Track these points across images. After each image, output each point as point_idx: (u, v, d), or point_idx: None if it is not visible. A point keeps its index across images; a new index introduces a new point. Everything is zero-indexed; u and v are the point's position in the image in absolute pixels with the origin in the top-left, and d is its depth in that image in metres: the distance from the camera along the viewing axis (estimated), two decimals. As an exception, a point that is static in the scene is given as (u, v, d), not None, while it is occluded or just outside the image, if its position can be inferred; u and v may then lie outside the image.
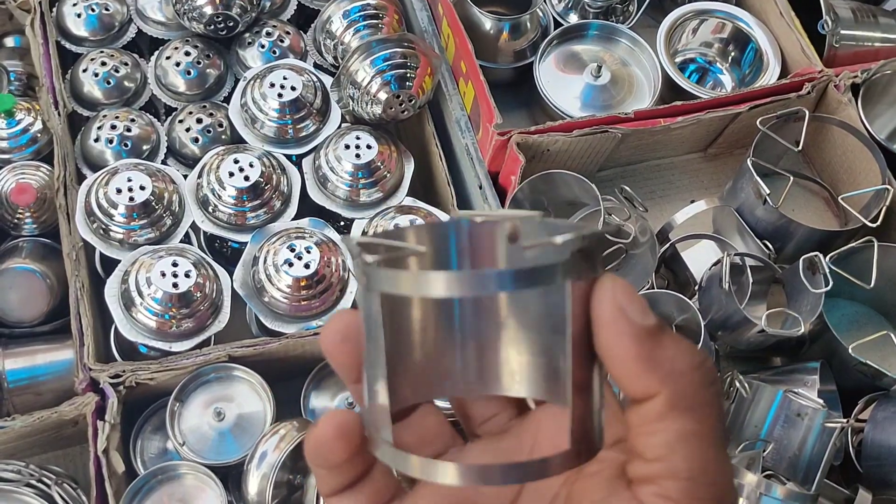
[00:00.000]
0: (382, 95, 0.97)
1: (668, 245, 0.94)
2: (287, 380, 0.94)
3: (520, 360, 0.32)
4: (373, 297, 0.31)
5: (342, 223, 1.05)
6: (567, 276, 0.29)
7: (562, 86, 1.06)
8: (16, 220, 1.00)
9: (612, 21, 1.12)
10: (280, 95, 0.99)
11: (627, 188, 0.91)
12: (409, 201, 1.01)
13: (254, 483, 0.82)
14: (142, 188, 0.93)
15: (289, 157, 1.02)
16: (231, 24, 1.06)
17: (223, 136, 1.04)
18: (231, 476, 0.88)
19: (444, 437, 0.38)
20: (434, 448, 0.37)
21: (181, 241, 0.96)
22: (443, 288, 0.28)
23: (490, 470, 0.30)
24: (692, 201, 1.02)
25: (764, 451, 0.76)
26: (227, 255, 1.06)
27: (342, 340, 0.33)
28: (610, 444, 0.34)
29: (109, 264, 0.99)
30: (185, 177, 0.99)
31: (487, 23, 1.06)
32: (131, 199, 0.92)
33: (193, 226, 0.98)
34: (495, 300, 0.32)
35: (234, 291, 0.94)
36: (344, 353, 0.34)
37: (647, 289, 0.89)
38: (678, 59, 1.12)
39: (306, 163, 1.02)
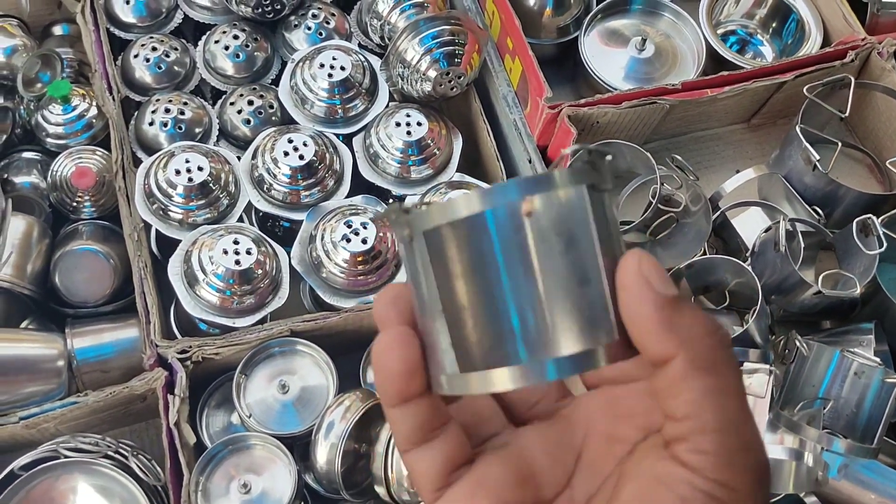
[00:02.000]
0: (432, 73, 0.98)
1: (718, 213, 0.95)
2: (344, 353, 0.96)
3: (562, 312, 0.33)
4: (416, 246, 0.33)
5: (391, 200, 1.07)
6: (581, 180, 0.32)
7: (606, 60, 1.07)
8: (75, 204, 1.03)
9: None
10: (330, 76, 1.01)
11: (678, 157, 0.93)
12: (459, 177, 1.03)
13: (322, 452, 0.85)
14: (200, 169, 0.95)
15: (337, 136, 1.04)
16: (278, 6, 1.07)
17: (273, 118, 1.06)
18: (296, 446, 0.91)
19: (499, 417, 0.40)
20: (492, 426, 0.40)
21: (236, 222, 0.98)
22: (476, 203, 0.32)
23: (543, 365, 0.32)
24: (737, 171, 1.03)
25: (823, 409, 0.78)
26: (278, 234, 1.08)
27: (392, 303, 0.36)
28: (656, 429, 0.36)
29: (164, 245, 1.02)
30: (238, 158, 1.01)
31: (531, -1, 1.08)
32: (190, 179, 0.94)
33: (247, 206, 1.00)
34: (526, 243, 0.32)
35: (290, 268, 0.96)
36: (394, 315, 0.36)
37: (701, 255, 0.90)
38: (719, 31, 1.13)
39: (357, 141, 1.03)
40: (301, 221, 0.99)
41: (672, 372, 0.32)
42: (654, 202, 0.91)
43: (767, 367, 0.74)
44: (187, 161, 0.95)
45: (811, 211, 0.95)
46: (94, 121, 1.06)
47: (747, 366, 0.75)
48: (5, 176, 1.05)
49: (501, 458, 0.38)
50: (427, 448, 0.36)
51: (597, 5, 1.10)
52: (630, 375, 0.38)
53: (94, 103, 1.06)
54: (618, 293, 0.32)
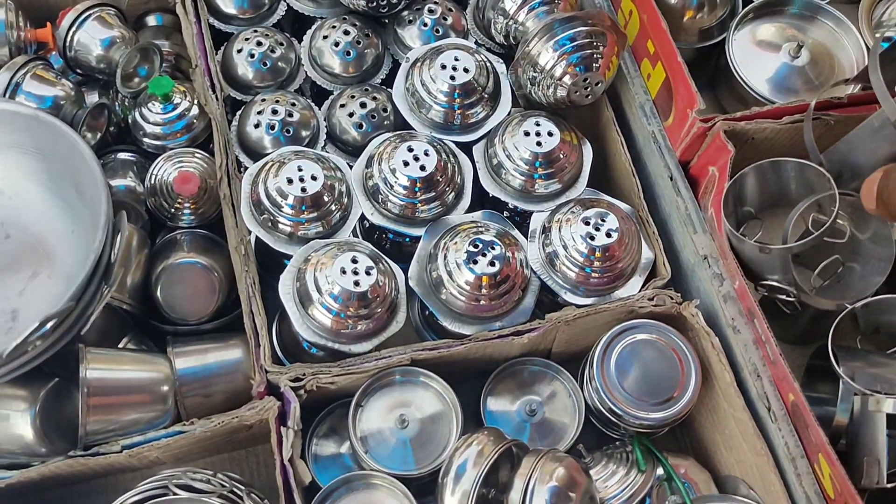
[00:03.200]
0: (567, 79, 0.90)
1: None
2: (458, 382, 0.88)
3: None
4: None
5: (506, 213, 0.98)
6: None
7: (755, 66, 0.99)
8: (173, 210, 0.96)
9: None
10: (452, 78, 0.93)
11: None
12: (589, 193, 0.94)
13: (452, 499, 0.77)
14: (314, 178, 0.87)
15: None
16: (395, 0, 0.99)
17: (386, 122, 0.98)
18: (413, 486, 0.83)
19: None
20: None
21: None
22: None
23: None
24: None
25: None
26: (385, 248, 1.00)
27: None
28: None
29: (260, 256, 0.94)
30: (349, 165, 0.94)
31: (674, -2, 0.99)
32: (303, 189, 0.87)
33: (361, 217, 0.92)
34: None
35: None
36: None
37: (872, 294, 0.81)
38: (878, 35, 1.02)
39: (477, 150, 0.95)
40: (415, 236, 0.92)
41: None
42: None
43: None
44: (300, 169, 0.88)
45: None
46: (194, 121, 0.99)
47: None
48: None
49: None
50: None
51: (744, 7, 1.00)
52: None
53: (195, 102, 0.99)
54: None
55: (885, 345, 0.86)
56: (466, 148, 0.96)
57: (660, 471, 0.87)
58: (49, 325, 0.73)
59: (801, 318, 0.87)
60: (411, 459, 0.84)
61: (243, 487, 0.76)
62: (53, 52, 1.03)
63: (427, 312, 0.95)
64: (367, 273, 0.83)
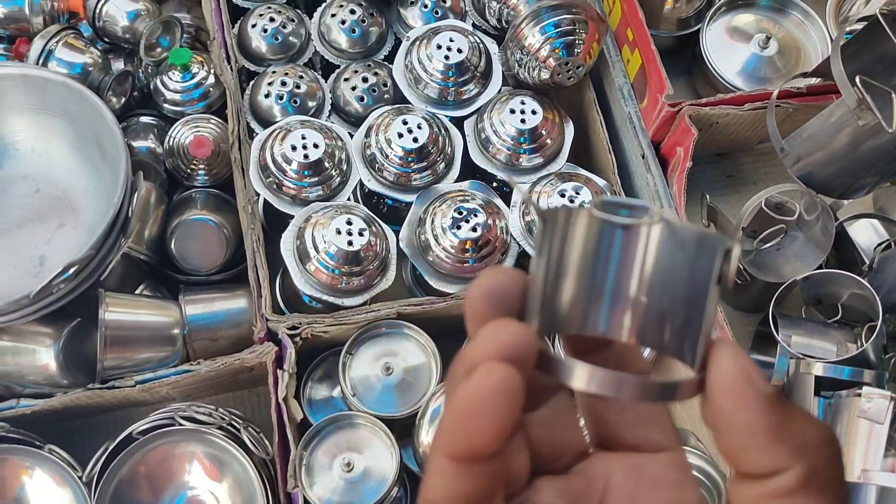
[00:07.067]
0: (551, 62, 0.97)
1: (836, 223, 0.93)
2: (445, 336, 0.97)
3: (648, 312, 0.32)
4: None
5: (495, 184, 1.06)
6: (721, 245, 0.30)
7: (726, 55, 1.05)
8: (189, 171, 1.05)
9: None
10: (446, 58, 1.01)
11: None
12: (568, 167, 1.02)
13: (426, 437, 0.86)
14: (315, 146, 0.96)
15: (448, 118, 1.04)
16: (398, -19, 1.07)
17: (386, 96, 1.06)
18: (395, 427, 0.92)
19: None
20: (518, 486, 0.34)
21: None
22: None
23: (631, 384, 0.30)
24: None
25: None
26: (383, 212, 1.09)
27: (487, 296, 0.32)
28: None
29: (269, 215, 1.03)
30: (350, 134, 1.02)
31: (654, -11, 1.06)
32: (305, 156, 0.95)
33: (358, 183, 1.01)
34: (647, 250, 0.32)
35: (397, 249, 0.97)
36: (486, 309, 0.31)
37: (816, 268, 0.89)
38: (846, 28, 1.09)
39: (468, 125, 1.03)
40: (408, 202, 1.00)
41: (775, 485, 0.28)
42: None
43: (889, 393, 0.73)
44: (303, 137, 0.96)
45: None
46: (210, 89, 1.08)
47: (865, 390, 0.74)
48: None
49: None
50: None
51: (720, -1, 1.08)
52: (656, 444, 0.34)
53: (211, 72, 1.07)
54: (709, 394, 0.29)
55: (829, 314, 0.94)
56: (459, 122, 1.04)
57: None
58: (71, 270, 0.82)
59: (751, 288, 0.95)
60: (395, 403, 0.93)
61: (241, 422, 0.85)
62: (84, 22, 1.12)
63: (417, 273, 1.04)
64: (361, 234, 0.92)
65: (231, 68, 1.05)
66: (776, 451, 0.27)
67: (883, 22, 0.80)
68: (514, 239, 0.98)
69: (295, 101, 1.04)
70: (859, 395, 0.75)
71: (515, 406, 0.28)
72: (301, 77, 1.05)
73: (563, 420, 0.35)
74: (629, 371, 0.33)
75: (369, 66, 1.07)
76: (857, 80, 0.77)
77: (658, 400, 0.31)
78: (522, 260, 0.99)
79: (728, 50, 1.06)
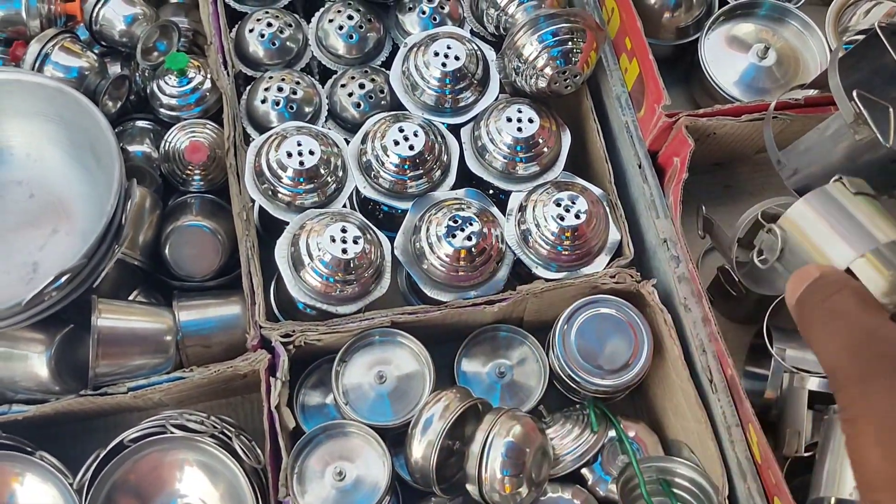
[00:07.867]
0: (548, 71, 0.97)
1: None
2: (438, 345, 0.97)
3: None
4: None
5: (491, 192, 1.06)
6: None
7: (725, 65, 1.05)
8: (185, 176, 1.04)
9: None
10: (444, 65, 1.00)
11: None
12: (565, 176, 1.02)
13: (418, 448, 0.86)
14: (311, 153, 0.95)
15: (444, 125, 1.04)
16: (396, -12, 1.07)
17: (383, 102, 1.06)
18: (387, 436, 0.92)
19: None
20: None
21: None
22: None
23: None
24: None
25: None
26: (378, 218, 1.09)
27: None
28: None
29: (265, 221, 1.03)
30: (346, 140, 1.02)
31: (653, -2, 1.06)
32: (301, 163, 0.95)
33: (354, 189, 1.01)
34: None
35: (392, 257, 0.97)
36: None
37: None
38: (845, 39, 1.09)
39: (465, 132, 1.03)
40: (404, 209, 1.00)
41: None
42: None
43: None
44: (299, 144, 0.95)
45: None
46: (207, 94, 1.07)
47: None
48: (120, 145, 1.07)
49: None
50: None
51: (719, 8, 1.07)
52: None
53: (208, 76, 1.07)
54: None
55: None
56: (456, 129, 1.04)
57: (612, 433, 0.96)
58: (64, 278, 0.82)
59: (746, 301, 0.95)
60: (388, 412, 0.92)
61: (233, 429, 0.85)
62: (81, 25, 1.12)
63: (412, 280, 1.03)
64: (355, 242, 0.91)
65: (228, 73, 1.04)
66: None
67: (881, 35, 0.79)
68: (510, 247, 0.98)
69: (291, 107, 1.03)
70: (853, 410, 0.74)
71: None
72: (298, 83, 1.04)
73: None
74: None
75: (366, 72, 1.07)
76: (855, 94, 0.76)
77: None
78: (517, 268, 0.99)
79: (726, 59, 1.06)
